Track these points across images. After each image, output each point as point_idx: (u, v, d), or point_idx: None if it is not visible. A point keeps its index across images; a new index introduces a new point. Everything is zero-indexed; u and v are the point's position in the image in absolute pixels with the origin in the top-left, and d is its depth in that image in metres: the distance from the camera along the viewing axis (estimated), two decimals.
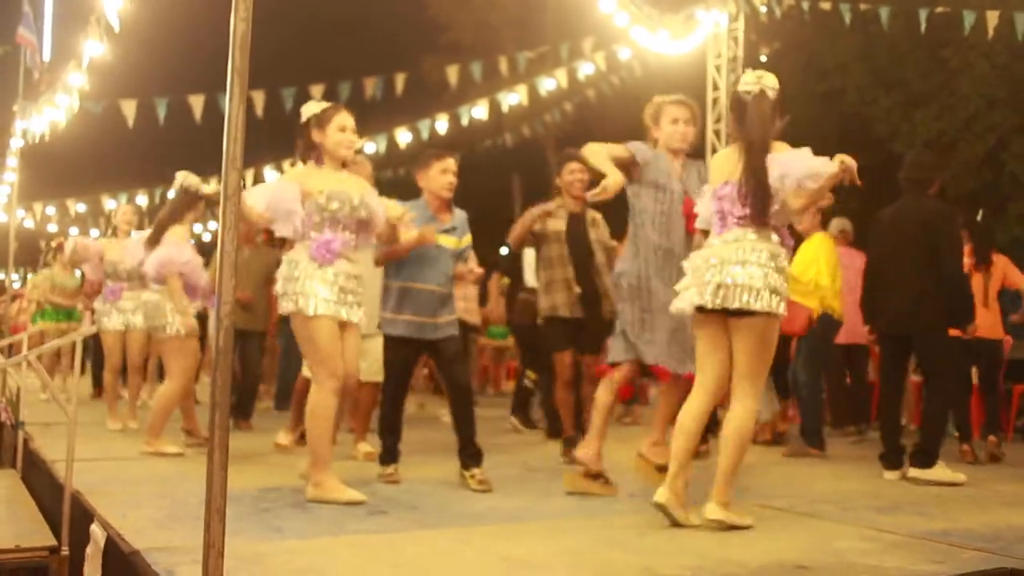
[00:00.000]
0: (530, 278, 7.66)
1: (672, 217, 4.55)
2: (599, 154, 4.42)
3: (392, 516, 4.01)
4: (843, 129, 16.81)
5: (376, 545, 3.44)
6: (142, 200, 15.39)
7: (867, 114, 16.61)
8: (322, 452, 4.30)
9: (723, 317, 3.83)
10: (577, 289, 5.88)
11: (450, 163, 5.07)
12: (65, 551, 4.02)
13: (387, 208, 4.59)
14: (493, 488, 4.72)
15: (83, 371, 11.82)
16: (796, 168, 3.77)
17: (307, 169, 4.47)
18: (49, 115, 9.31)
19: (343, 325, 4.37)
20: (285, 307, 4.30)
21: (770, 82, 3.98)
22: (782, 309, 3.77)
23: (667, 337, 4.48)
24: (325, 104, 4.51)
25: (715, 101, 12.64)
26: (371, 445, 5.87)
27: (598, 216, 6.11)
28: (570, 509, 4.32)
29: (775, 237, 3.86)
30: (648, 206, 4.55)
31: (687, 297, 3.89)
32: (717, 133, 12.47)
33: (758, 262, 3.75)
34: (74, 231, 19.88)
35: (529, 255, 7.45)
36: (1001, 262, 7.15)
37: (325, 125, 4.42)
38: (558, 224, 5.97)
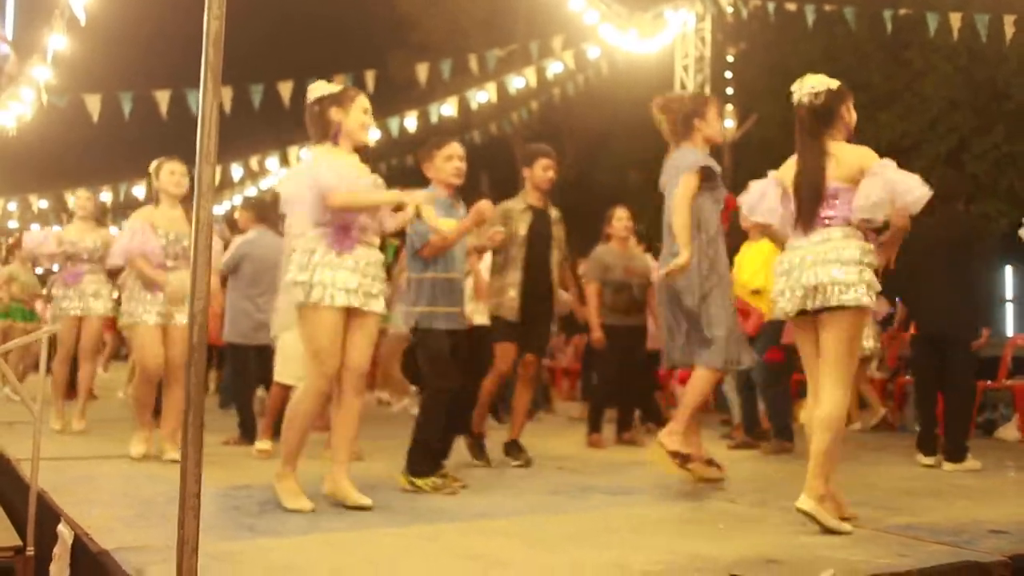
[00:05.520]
0: None
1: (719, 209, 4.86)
2: (688, 229, 4.71)
3: (364, 513, 4.00)
4: None
5: (350, 543, 3.43)
6: (106, 196, 15.18)
7: None
8: (291, 447, 4.14)
9: (816, 318, 3.90)
10: (512, 293, 5.76)
11: (454, 148, 4.97)
12: (31, 551, 3.97)
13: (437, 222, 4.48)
14: (464, 486, 4.72)
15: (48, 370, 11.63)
16: (904, 193, 3.83)
17: (324, 151, 4.22)
18: (14, 110, 9.16)
19: (360, 317, 4.13)
20: (296, 297, 4.08)
21: (807, 87, 4.03)
22: (870, 301, 3.83)
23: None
24: (336, 85, 4.30)
25: None
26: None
27: (558, 215, 6.06)
28: (540, 505, 4.34)
29: (860, 234, 3.91)
30: (711, 207, 4.77)
31: (787, 302, 3.94)
32: None
33: (851, 259, 3.81)
34: (36, 227, 19.62)
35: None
36: None
37: (348, 104, 4.21)
38: (522, 227, 5.82)
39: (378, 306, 4.18)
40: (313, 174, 4.07)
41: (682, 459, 4.58)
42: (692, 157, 4.82)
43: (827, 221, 3.91)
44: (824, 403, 3.85)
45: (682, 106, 4.97)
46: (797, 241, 3.98)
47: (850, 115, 4.08)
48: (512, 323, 5.76)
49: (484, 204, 4.73)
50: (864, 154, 3.93)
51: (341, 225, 4.10)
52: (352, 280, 4.08)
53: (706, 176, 4.76)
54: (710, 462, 4.91)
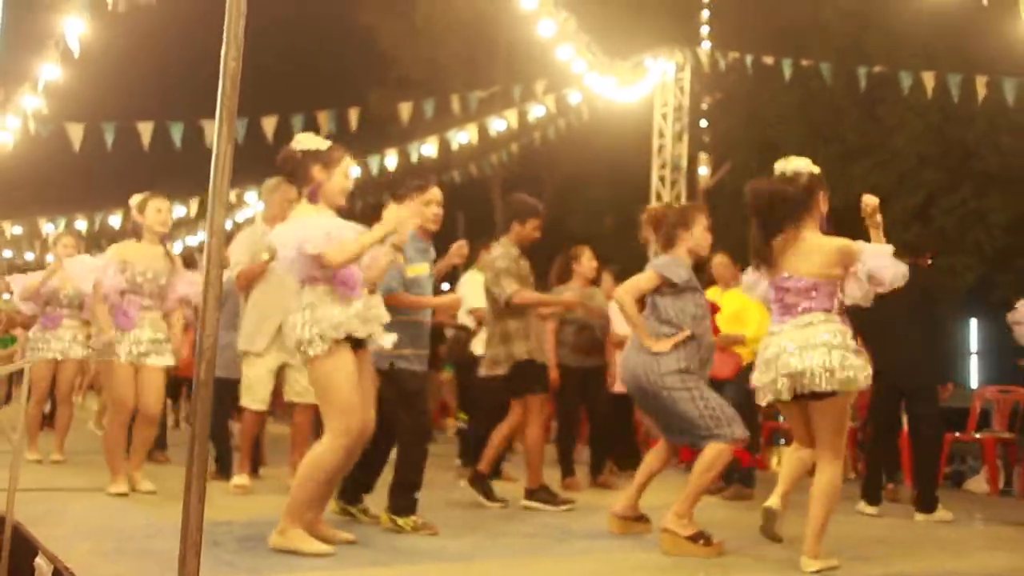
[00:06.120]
0: (464, 316, 7.46)
1: (706, 316, 4.77)
2: (633, 315, 4.62)
3: (343, 553, 3.99)
4: None
5: None
6: (81, 225, 15.10)
7: None
8: (304, 504, 3.95)
9: (803, 400, 4.04)
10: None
11: (435, 194, 4.98)
12: None
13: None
14: (440, 530, 4.67)
15: (9, 400, 11.48)
16: (886, 276, 4.12)
17: (314, 210, 4.10)
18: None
19: (361, 357, 4.07)
20: (314, 352, 3.93)
21: (791, 167, 4.16)
22: (858, 384, 3.98)
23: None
24: (323, 140, 4.18)
25: (660, 148, 12.93)
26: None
27: None
28: (519, 548, 4.35)
29: (837, 318, 4.06)
30: (690, 309, 4.66)
31: (771, 387, 4.04)
32: (662, 179, 12.80)
33: (832, 344, 3.94)
34: (7, 253, 19.44)
35: (471, 290, 7.21)
36: None
37: (332, 167, 4.10)
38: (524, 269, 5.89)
39: (388, 342, 4.15)
40: (300, 238, 3.92)
41: (704, 539, 4.40)
42: (662, 261, 4.73)
43: (807, 309, 4.03)
44: (823, 476, 4.04)
45: (668, 217, 4.92)
46: (777, 326, 4.10)
47: (825, 204, 4.19)
48: (542, 366, 5.91)
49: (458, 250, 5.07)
50: (844, 249, 4.06)
51: (348, 271, 4.00)
52: (358, 324, 4.01)
53: (666, 283, 4.65)
54: (640, 518, 4.90)
